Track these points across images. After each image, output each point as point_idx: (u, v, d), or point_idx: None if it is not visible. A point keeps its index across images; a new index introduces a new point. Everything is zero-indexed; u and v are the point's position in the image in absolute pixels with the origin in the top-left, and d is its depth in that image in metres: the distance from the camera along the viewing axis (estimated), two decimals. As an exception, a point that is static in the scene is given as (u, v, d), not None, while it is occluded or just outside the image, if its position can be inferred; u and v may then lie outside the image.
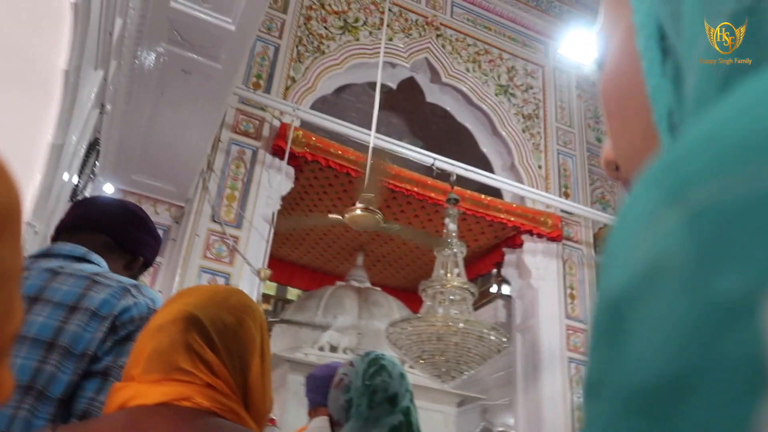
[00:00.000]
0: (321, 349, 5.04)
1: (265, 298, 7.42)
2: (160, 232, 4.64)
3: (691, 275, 0.14)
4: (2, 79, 1.80)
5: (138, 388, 0.63)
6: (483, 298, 6.50)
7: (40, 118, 1.97)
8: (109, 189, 4.29)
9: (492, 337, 3.91)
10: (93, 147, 3.21)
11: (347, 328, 5.30)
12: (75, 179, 2.98)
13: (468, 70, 5.85)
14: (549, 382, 5.17)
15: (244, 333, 0.68)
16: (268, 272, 4.19)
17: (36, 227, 2.13)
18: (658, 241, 0.15)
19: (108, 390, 0.80)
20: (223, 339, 0.66)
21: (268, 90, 4.83)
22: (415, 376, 4.17)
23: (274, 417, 3.26)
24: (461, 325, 3.81)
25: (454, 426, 5.35)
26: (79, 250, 1.00)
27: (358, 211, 3.58)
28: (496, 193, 5.62)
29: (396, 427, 1.12)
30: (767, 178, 0.13)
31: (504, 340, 4.03)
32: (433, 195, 5.00)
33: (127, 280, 1.00)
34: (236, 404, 0.65)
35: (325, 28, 5.35)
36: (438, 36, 5.84)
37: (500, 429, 6.55)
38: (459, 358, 3.87)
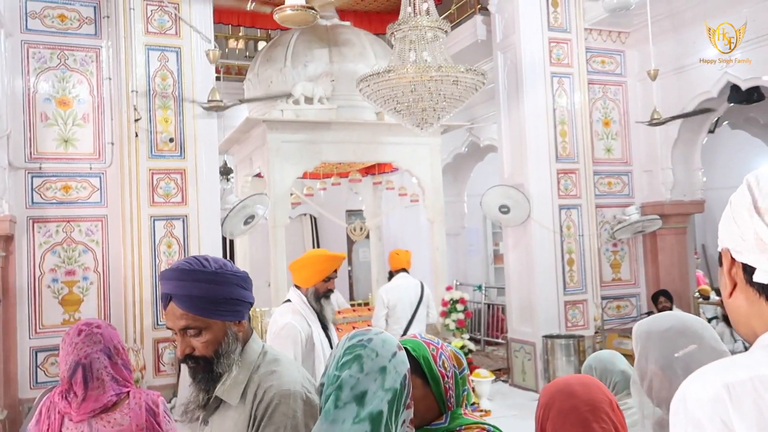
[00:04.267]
0: (296, 102, 4.89)
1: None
2: (90, 9, 4.14)
3: None
4: None
5: None
6: (461, 15, 6.05)
7: None
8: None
9: (468, 79, 3.73)
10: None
11: (319, 75, 5.05)
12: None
13: None
14: (531, 98, 5.12)
15: None
16: (218, 53, 3.93)
17: None
18: None
19: None
20: None
21: None
22: (396, 119, 4.09)
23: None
24: (434, 73, 3.60)
25: (438, 154, 5.47)
26: None
27: (288, 11, 3.54)
28: None
29: None
30: None
31: (481, 76, 3.85)
32: None
33: None
34: None
35: None
36: None
37: (486, 143, 6.72)
38: (435, 105, 3.76)
